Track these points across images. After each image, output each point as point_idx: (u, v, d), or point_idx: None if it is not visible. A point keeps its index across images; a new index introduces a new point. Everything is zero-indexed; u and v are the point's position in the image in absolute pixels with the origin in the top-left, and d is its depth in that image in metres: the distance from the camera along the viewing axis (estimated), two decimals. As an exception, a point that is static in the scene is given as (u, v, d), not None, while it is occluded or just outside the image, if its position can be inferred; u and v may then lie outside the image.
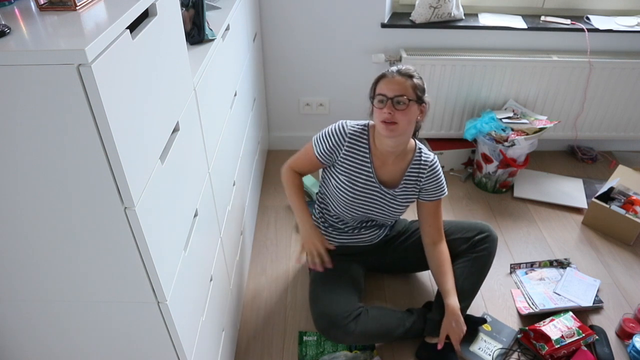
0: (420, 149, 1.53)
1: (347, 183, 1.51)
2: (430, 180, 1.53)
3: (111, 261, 0.79)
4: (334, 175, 1.54)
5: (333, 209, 1.60)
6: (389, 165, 1.50)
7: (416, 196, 1.56)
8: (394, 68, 1.41)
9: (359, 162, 1.49)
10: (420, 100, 1.39)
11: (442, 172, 1.55)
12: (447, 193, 1.57)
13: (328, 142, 1.50)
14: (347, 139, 1.48)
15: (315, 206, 1.72)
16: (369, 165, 1.49)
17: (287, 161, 1.62)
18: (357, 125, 1.50)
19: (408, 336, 1.55)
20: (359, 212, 1.55)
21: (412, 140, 1.53)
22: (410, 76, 1.38)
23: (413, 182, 1.53)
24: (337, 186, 1.53)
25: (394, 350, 1.59)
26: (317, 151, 1.52)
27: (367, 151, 1.48)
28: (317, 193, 1.69)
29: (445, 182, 1.56)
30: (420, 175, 1.52)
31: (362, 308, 1.49)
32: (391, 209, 1.54)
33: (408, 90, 1.36)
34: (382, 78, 1.41)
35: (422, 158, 1.52)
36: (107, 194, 0.70)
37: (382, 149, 1.47)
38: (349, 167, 1.50)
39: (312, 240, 1.53)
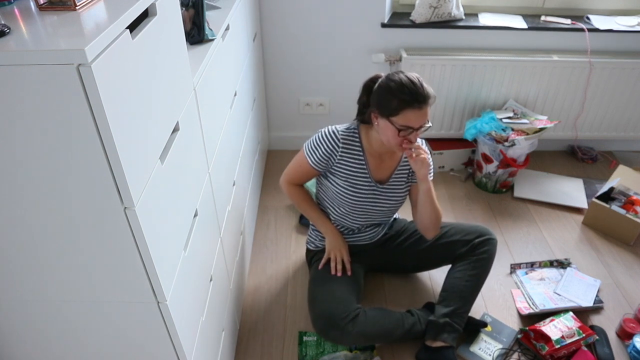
0: None
1: (347, 187, 1.52)
2: None
3: (111, 261, 0.79)
4: (331, 181, 1.54)
5: (335, 216, 1.62)
6: (385, 161, 1.53)
7: (409, 183, 1.58)
8: (420, 93, 1.28)
9: (355, 164, 1.50)
10: None
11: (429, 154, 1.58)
12: (433, 174, 1.59)
13: (321, 149, 1.48)
14: (341, 144, 1.47)
15: None
16: (365, 166, 1.50)
17: (283, 174, 1.62)
18: (347, 129, 1.49)
19: (408, 337, 1.54)
20: (363, 215, 1.57)
21: None
22: (433, 97, 1.31)
23: (405, 170, 1.56)
24: (337, 192, 1.54)
25: (394, 351, 1.58)
26: (312, 161, 1.50)
27: (361, 153, 1.49)
28: (315, 195, 1.69)
29: (433, 164, 1.61)
30: None
31: (360, 309, 1.48)
32: (391, 203, 1.57)
33: (429, 113, 1.34)
34: (409, 106, 1.28)
35: None
36: (107, 194, 0.70)
37: (378, 148, 1.49)
38: (347, 171, 1.50)
39: (337, 248, 1.60)
